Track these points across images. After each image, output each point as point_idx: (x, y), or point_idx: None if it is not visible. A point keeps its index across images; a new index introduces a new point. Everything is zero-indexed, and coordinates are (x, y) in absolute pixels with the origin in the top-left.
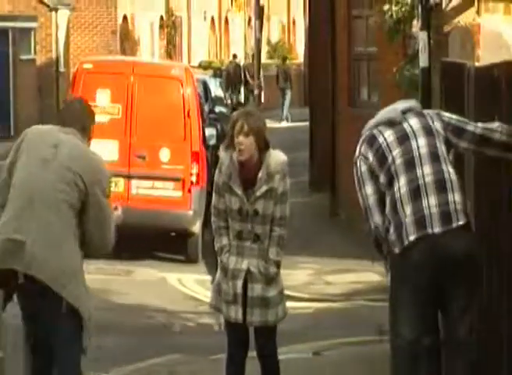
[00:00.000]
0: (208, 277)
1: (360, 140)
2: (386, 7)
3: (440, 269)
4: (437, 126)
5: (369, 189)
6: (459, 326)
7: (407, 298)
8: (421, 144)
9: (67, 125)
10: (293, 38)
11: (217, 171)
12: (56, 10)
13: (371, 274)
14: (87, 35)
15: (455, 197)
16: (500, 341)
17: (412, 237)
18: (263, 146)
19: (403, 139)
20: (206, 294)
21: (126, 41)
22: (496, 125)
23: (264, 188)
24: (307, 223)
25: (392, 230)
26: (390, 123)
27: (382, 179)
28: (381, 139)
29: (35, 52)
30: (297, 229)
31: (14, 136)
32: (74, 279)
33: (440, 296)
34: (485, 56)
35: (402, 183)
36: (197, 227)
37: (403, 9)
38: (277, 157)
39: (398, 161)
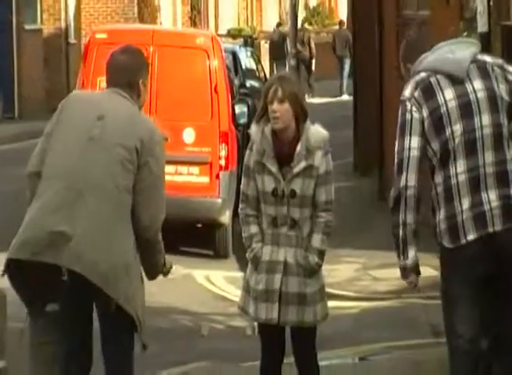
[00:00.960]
0: (240, 274)
1: (413, 80)
2: None
3: (497, 266)
4: (502, 90)
5: (415, 142)
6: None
7: (461, 294)
8: (485, 122)
9: (112, 82)
10: (334, 1)
11: (247, 151)
12: None
13: (426, 268)
14: (100, 1)
15: None
16: None
17: (471, 237)
18: (301, 116)
19: (466, 110)
20: (237, 294)
21: (145, 6)
22: None
23: (302, 164)
24: (351, 211)
25: (441, 217)
26: (450, 78)
27: (436, 148)
28: (440, 98)
29: (41, 21)
30: (341, 217)
31: (18, 117)
32: (126, 276)
33: (494, 296)
34: None
35: (460, 170)
36: (226, 217)
37: None
38: (318, 131)
39: (458, 139)
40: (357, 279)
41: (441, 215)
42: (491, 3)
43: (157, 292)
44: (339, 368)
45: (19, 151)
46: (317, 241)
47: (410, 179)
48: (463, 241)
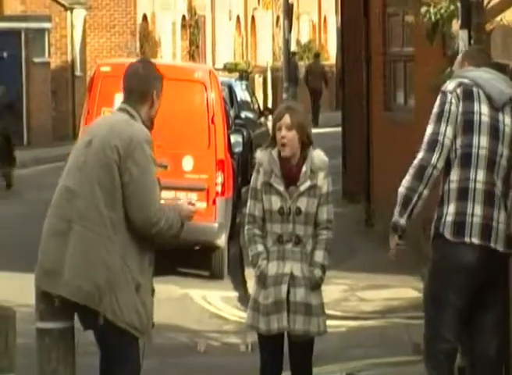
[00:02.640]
0: (234, 294)
1: (457, 80)
2: (424, 9)
3: (487, 278)
4: None
5: (450, 131)
6: (491, 343)
7: (454, 298)
8: (505, 153)
9: (126, 89)
10: (324, 38)
11: (254, 174)
12: (71, 10)
13: (408, 290)
14: (104, 36)
15: None
16: None
17: (475, 240)
18: (306, 142)
19: (495, 134)
20: (232, 312)
21: (146, 42)
22: None
23: (307, 184)
24: (340, 235)
25: (450, 210)
26: (488, 99)
27: (458, 146)
28: (477, 107)
29: (49, 55)
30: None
31: (27, 144)
32: (110, 291)
33: (477, 304)
34: None
35: (479, 178)
36: (222, 241)
37: (442, 11)
38: (320, 155)
39: (482, 151)
40: (344, 299)
41: (450, 208)
42: (472, 42)
43: (155, 311)
44: None
45: (27, 177)
46: (319, 256)
47: (439, 162)
48: (466, 239)
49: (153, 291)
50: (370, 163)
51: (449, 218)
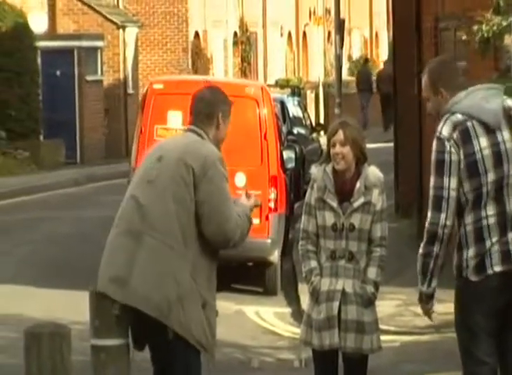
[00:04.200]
0: (288, 310)
1: (450, 120)
2: (476, 27)
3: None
4: None
5: (454, 183)
6: None
7: (483, 323)
8: (511, 172)
9: (193, 112)
10: (375, 53)
11: (308, 190)
12: (124, 28)
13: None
14: (156, 53)
15: None
16: None
17: (497, 269)
18: (360, 158)
19: (498, 159)
20: (285, 328)
21: (198, 58)
22: None
23: (361, 200)
24: (392, 250)
25: (470, 254)
26: (485, 126)
27: (467, 190)
28: (476, 146)
29: (102, 73)
30: None
31: (80, 162)
32: (179, 306)
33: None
34: None
35: (491, 213)
36: (275, 257)
37: (494, 28)
38: (375, 171)
39: (490, 186)
40: (398, 314)
41: (469, 252)
42: None
43: None
44: None
45: (80, 195)
46: (372, 273)
47: (448, 219)
48: (489, 272)
49: (216, 312)
50: (422, 178)
51: (471, 262)
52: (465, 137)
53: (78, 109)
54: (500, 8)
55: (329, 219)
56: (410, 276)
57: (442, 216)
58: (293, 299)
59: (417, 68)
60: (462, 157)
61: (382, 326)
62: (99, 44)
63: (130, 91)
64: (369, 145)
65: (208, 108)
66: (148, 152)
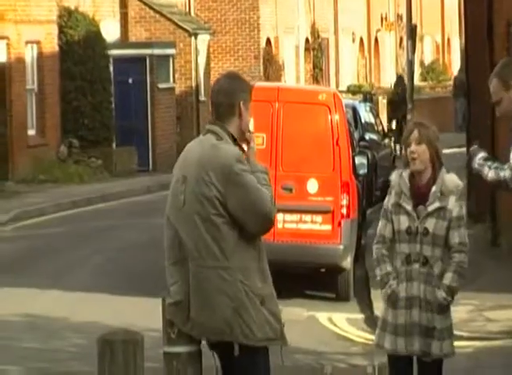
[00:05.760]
0: (360, 316)
1: None
2: None
3: None
4: None
5: None
6: None
7: None
8: None
9: (214, 104)
10: (447, 58)
11: (387, 196)
12: (196, 35)
13: None
14: (228, 60)
15: None
16: None
17: None
18: (436, 161)
19: None
20: (358, 334)
21: (270, 65)
22: None
23: (436, 204)
24: None
25: None
26: None
27: None
28: None
29: (174, 80)
30: None
31: (152, 170)
32: (238, 318)
33: None
34: None
35: None
36: (348, 263)
37: None
38: (453, 178)
39: None
40: (471, 320)
41: None
42: None
43: None
44: None
45: (152, 203)
46: (447, 278)
47: None
48: None
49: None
50: None
51: None
52: None
53: (150, 117)
54: None
55: (404, 222)
56: (484, 282)
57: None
58: (365, 305)
59: (489, 73)
60: None
61: (456, 332)
62: (171, 51)
63: (202, 98)
64: (444, 150)
65: (229, 99)
66: (178, 160)
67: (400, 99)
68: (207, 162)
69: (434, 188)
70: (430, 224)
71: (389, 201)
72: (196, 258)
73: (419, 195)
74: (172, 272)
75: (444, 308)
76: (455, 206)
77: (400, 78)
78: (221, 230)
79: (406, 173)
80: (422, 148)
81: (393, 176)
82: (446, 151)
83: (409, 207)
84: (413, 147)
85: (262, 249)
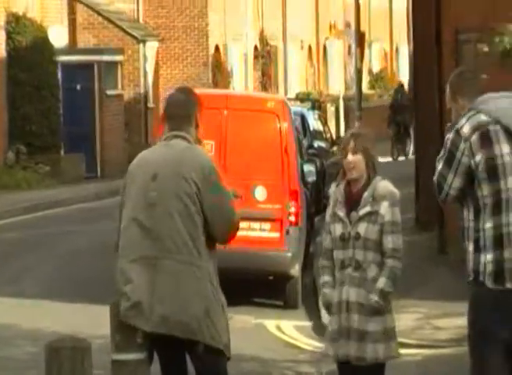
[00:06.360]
0: (308, 324)
1: (472, 120)
2: (497, 39)
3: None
4: None
5: (457, 182)
6: None
7: (497, 338)
8: None
9: (172, 117)
10: (396, 66)
11: (327, 208)
12: (144, 42)
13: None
14: (176, 67)
15: None
16: None
17: (490, 285)
18: (371, 169)
19: None
20: (306, 342)
21: (219, 72)
22: None
23: (367, 209)
24: (413, 263)
25: (488, 259)
26: (508, 133)
27: (486, 194)
28: (497, 150)
29: (122, 87)
30: (402, 270)
31: (101, 176)
32: (207, 318)
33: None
34: None
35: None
36: (296, 270)
37: None
38: (387, 185)
39: (511, 193)
40: (419, 328)
41: (488, 257)
42: None
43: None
44: None
45: (100, 209)
46: (381, 282)
47: (446, 202)
48: (508, 286)
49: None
50: None
51: (490, 267)
52: (485, 141)
53: (98, 124)
54: None
55: (338, 229)
56: (431, 290)
57: (442, 196)
58: (313, 312)
59: (437, 81)
60: (479, 159)
61: (403, 340)
62: (119, 58)
63: (151, 105)
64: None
65: (186, 110)
66: (135, 164)
67: (398, 105)
68: (186, 161)
69: (366, 194)
70: (361, 228)
71: (327, 213)
72: (173, 252)
73: (352, 202)
74: (128, 270)
75: (377, 312)
76: (387, 212)
77: (400, 85)
78: (198, 227)
79: (343, 183)
80: (358, 158)
81: (331, 188)
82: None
83: (342, 214)
84: (349, 157)
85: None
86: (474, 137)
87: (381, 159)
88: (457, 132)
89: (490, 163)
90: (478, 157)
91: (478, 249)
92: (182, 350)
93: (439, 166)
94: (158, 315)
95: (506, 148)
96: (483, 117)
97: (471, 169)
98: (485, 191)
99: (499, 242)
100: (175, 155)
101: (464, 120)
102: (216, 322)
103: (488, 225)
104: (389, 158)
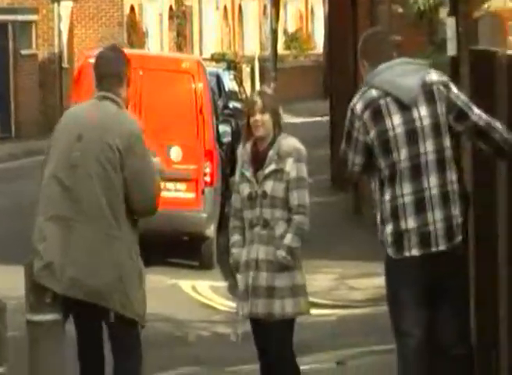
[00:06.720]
0: (224, 284)
1: (365, 97)
2: (411, 0)
3: (436, 281)
4: (444, 113)
5: (358, 159)
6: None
7: (406, 298)
8: (428, 148)
9: (103, 80)
10: (311, 27)
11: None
12: (58, 1)
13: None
14: (91, 27)
15: (458, 209)
16: None
17: (415, 252)
18: (278, 127)
19: (412, 137)
20: (221, 302)
21: (134, 32)
22: (497, 124)
23: (272, 167)
24: (328, 224)
25: (389, 230)
26: (399, 102)
27: (383, 167)
28: (388, 123)
29: (36, 47)
30: (318, 230)
31: (15, 137)
32: (120, 287)
33: (433, 300)
34: None
35: (407, 191)
36: (211, 231)
37: (430, 1)
38: (291, 141)
39: (404, 164)
40: (334, 288)
41: (388, 229)
42: (460, 29)
43: None
44: (319, 372)
45: (15, 169)
46: (287, 238)
47: (353, 178)
48: (406, 254)
49: None
50: None
51: (390, 238)
52: (377, 117)
53: (12, 83)
54: None
55: (246, 189)
56: (347, 250)
57: (348, 172)
58: (229, 273)
59: (352, 42)
60: (373, 135)
61: (319, 300)
62: (33, 17)
63: (65, 65)
64: (306, 119)
65: (119, 68)
66: (62, 123)
67: None
68: (112, 126)
69: (271, 152)
70: (268, 187)
71: (236, 173)
72: (90, 218)
73: (258, 161)
74: (43, 227)
75: (285, 268)
76: (293, 168)
77: None
78: (118, 195)
79: (249, 144)
80: (266, 117)
81: (239, 149)
82: (309, 119)
83: (249, 173)
84: (257, 116)
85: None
86: (367, 114)
87: (297, 120)
88: (352, 111)
89: (382, 138)
90: (372, 133)
91: (381, 220)
92: (96, 317)
93: (342, 145)
94: (69, 277)
95: (396, 120)
96: (374, 92)
97: (368, 145)
98: (382, 164)
99: (396, 213)
100: (102, 120)
101: (357, 97)
102: (129, 291)
103: (387, 197)
104: (308, 119)
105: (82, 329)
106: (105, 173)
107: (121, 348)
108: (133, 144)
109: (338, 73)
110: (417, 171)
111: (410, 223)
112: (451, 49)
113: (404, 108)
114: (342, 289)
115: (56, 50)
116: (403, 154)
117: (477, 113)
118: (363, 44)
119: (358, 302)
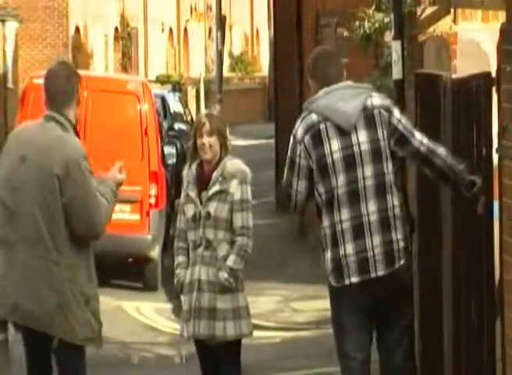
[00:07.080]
0: (168, 306)
1: (305, 122)
2: (357, 23)
3: (375, 305)
4: (385, 137)
5: (302, 185)
6: (396, 352)
7: (347, 322)
8: (367, 173)
9: (52, 98)
10: (256, 50)
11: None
12: (3, 21)
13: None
14: (36, 48)
15: (398, 234)
16: None
17: (354, 280)
18: (224, 149)
19: (350, 162)
20: (166, 324)
21: (79, 53)
22: (441, 150)
23: (216, 188)
24: (273, 246)
25: (329, 257)
26: (338, 128)
27: (322, 192)
28: (326, 148)
29: None
30: (262, 253)
31: None
32: (61, 313)
33: (377, 323)
34: (462, 67)
35: (345, 217)
36: (155, 253)
37: (376, 25)
38: (236, 163)
39: (341, 189)
40: (278, 310)
41: (328, 255)
42: (405, 52)
43: None
44: None
45: None
46: (230, 260)
47: (299, 208)
48: (346, 282)
49: None
50: None
51: (329, 265)
52: (316, 141)
53: None
54: (382, 4)
55: (190, 210)
56: (291, 272)
57: (291, 206)
58: (173, 295)
59: (297, 65)
60: (314, 159)
61: (262, 323)
62: None
63: (10, 85)
64: (251, 142)
65: (70, 85)
66: (8, 142)
67: None
68: (52, 152)
69: (215, 173)
70: (212, 208)
71: (182, 194)
72: (31, 244)
73: (203, 182)
74: None
75: (227, 290)
76: (237, 190)
77: None
78: (57, 222)
79: (195, 165)
80: (213, 139)
81: (184, 171)
82: (254, 142)
83: (193, 194)
84: (205, 139)
85: (91, 249)
86: (307, 139)
87: (242, 142)
88: (294, 137)
89: (321, 163)
90: (313, 157)
91: (322, 247)
92: (41, 341)
93: (285, 176)
94: (11, 302)
95: (335, 145)
96: (314, 117)
97: (311, 169)
98: (321, 189)
99: (335, 240)
100: (44, 144)
101: (298, 123)
102: (71, 317)
103: (326, 223)
104: (253, 141)
105: (30, 349)
106: (44, 200)
107: (66, 373)
108: (72, 171)
109: (283, 95)
110: (354, 197)
111: (349, 249)
112: (396, 72)
113: (343, 133)
114: (286, 311)
115: (1, 71)
116: (340, 179)
117: (419, 139)
118: (310, 65)
119: (302, 325)
